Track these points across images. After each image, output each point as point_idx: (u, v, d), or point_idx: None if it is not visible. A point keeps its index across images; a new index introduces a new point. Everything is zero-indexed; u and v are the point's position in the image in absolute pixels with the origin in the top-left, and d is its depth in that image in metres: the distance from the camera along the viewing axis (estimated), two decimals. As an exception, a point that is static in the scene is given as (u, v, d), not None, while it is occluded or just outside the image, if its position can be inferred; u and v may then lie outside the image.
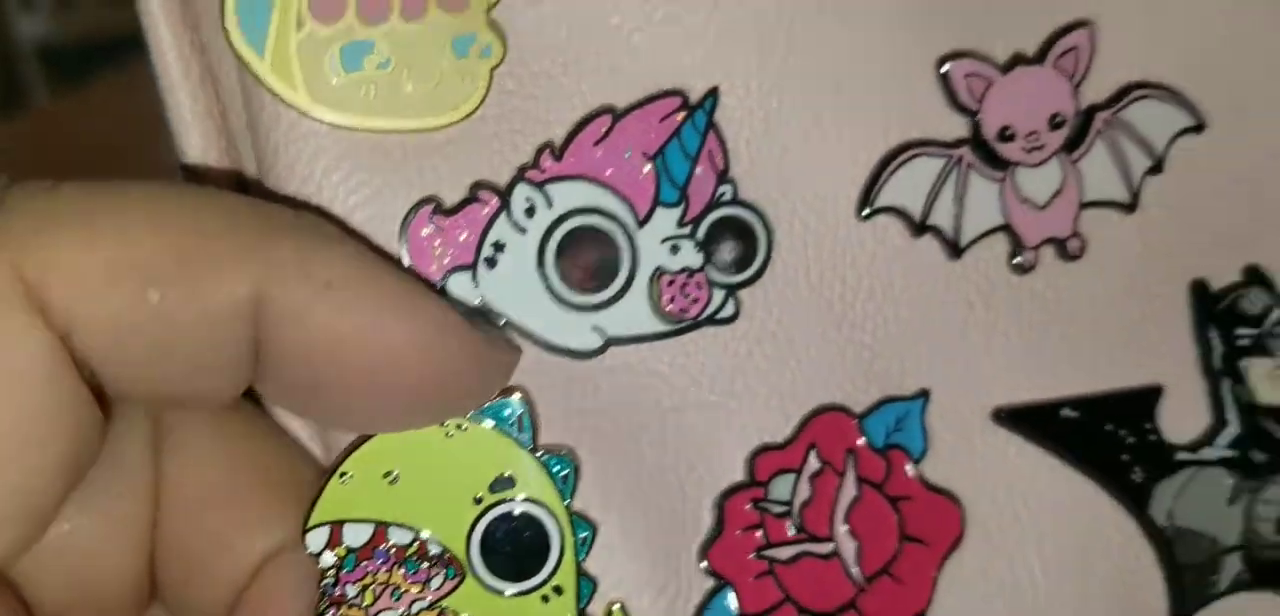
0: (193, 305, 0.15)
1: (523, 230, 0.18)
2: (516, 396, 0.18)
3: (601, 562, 0.18)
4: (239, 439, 0.17)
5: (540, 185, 0.18)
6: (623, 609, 0.18)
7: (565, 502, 0.18)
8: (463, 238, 0.18)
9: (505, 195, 0.18)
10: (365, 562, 0.17)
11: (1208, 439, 0.21)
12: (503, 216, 0.18)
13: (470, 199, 0.18)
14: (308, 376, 0.16)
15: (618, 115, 0.18)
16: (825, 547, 0.19)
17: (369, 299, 0.16)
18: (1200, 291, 0.21)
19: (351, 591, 0.17)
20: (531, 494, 0.17)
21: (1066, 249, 0.20)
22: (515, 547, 0.18)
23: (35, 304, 0.15)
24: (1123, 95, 0.20)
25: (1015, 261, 0.20)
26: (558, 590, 0.18)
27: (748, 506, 0.19)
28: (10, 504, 0.16)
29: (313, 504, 0.17)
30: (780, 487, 0.19)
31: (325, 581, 0.17)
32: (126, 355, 0.16)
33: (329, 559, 0.17)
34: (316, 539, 0.17)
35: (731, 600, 0.19)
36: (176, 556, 0.17)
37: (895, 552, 0.20)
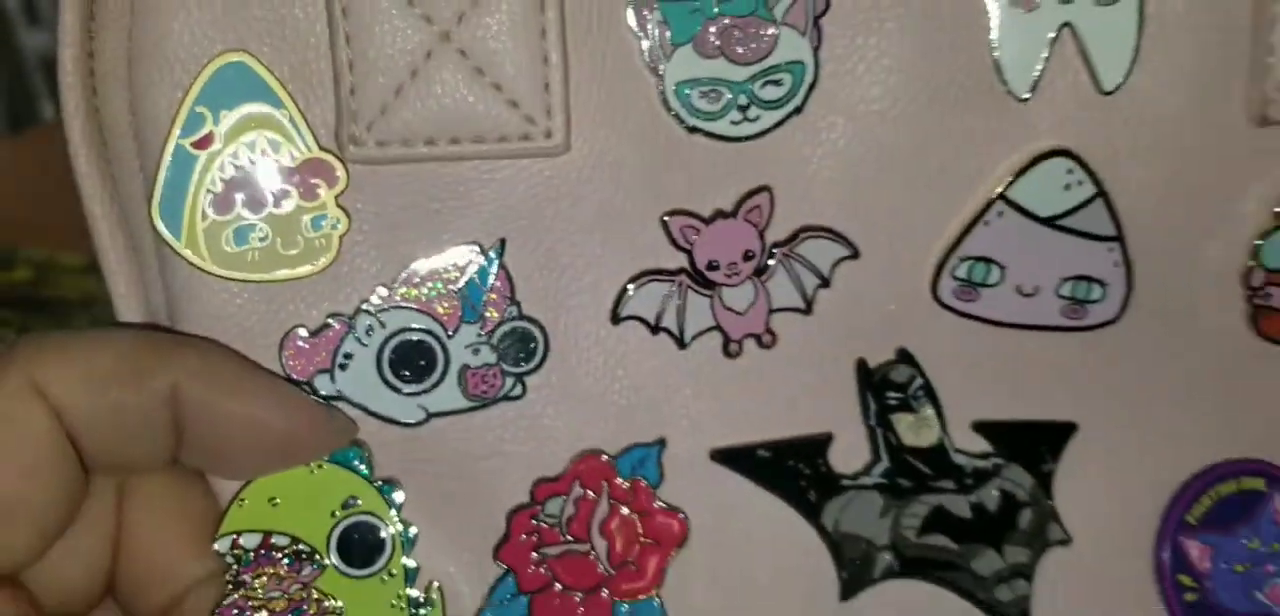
0: (134, 398, 0.19)
1: (365, 344, 0.20)
2: (361, 448, 0.20)
3: (422, 556, 0.21)
4: (177, 494, 0.19)
5: (377, 312, 0.20)
6: (438, 588, 0.20)
7: (393, 515, 0.19)
8: (322, 353, 0.20)
9: (351, 321, 0.20)
10: (257, 560, 0.19)
11: (866, 471, 0.23)
12: (351, 335, 0.20)
13: (326, 325, 0.20)
14: (210, 444, 0.19)
15: (428, 264, 0.20)
16: (584, 547, 0.21)
17: (248, 391, 0.19)
18: (862, 366, 0.23)
19: (248, 579, 0.19)
20: (370, 509, 0.19)
21: (761, 341, 0.22)
22: (361, 546, 0.20)
23: (40, 397, 0.20)
24: (796, 236, 0.22)
25: (726, 349, 0.22)
26: (391, 574, 0.20)
27: (529, 520, 0.21)
28: (34, 517, 0.18)
29: (220, 523, 0.19)
30: (553, 507, 0.21)
31: (230, 573, 0.19)
32: (95, 430, 0.20)
33: (230, 560, 0.19)
34: (223, 545, 0.19)
35: (513, 582, 0.20)
36: (130, 578, 0.19)
37: (635, 549, 0.21)
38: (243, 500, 0.21)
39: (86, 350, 0.20)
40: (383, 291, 0.22)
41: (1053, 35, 0.22)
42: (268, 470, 0.21)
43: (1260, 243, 0.23)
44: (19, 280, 0.67)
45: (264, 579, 0.21)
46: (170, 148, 0.20)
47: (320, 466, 0.22)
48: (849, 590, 0.24)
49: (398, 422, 0.22)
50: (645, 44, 0.22)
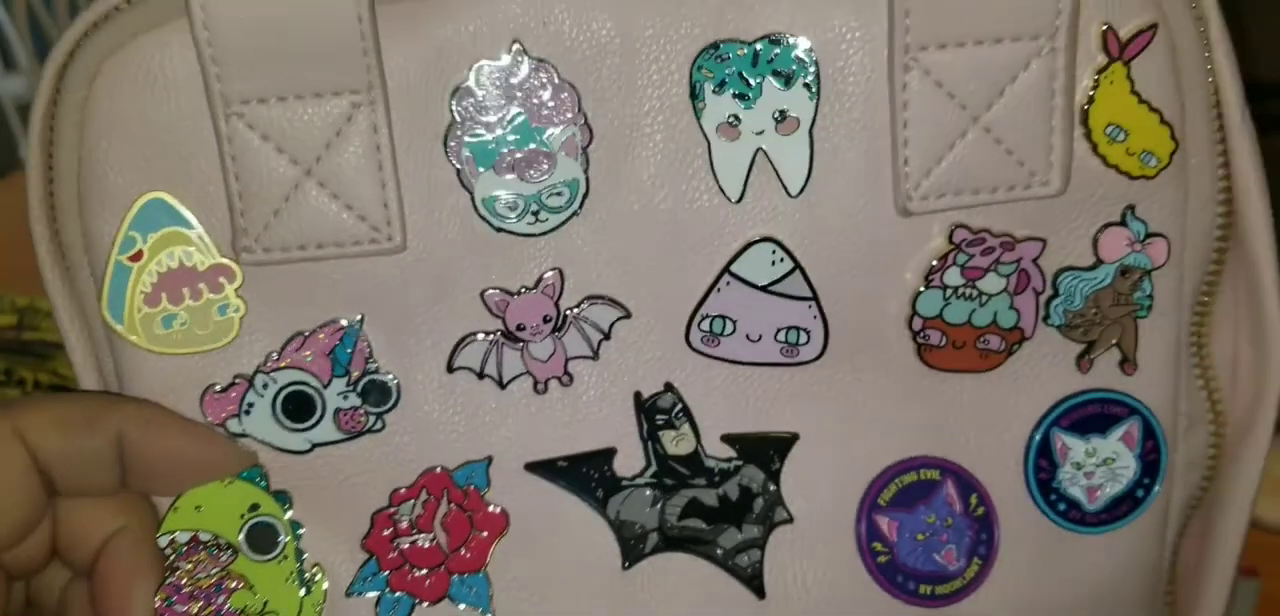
0: (90, 441, 0.25)
1: (262, 395, 0.27)
2: (260, 468, 0.27)
3: (308, 545, 0.30)
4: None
5: (270, 372, 0.27)
6: (320, 568, 0.27)
7: (286, 516, 0.27)
8: (231, 404, 0.27)
9: (251, 380, 0.28)
10: (189, 550, 0.26)
11: (640, 474, 0.30)
12: (251, 390, 0.27)
13: (233, 383, 0.28)
14: (147, 471, 0.26)
15: (306, 335, 0.27)
16: (429, 537, 0.28)
17: (174, 432, 0.26)
18: (638, 397, 0.30)
19: (182, 564, 0.26)
20: (268, 512, 0.27)
21: (562, 381, 0.30)
22: (262, 539, 0.27)
23: (20, 440, 0.26)
24: (582, 303, 0.29)
25: (536, 388, 0.29)
26: (285, 558, 0.27)
27: (387, 519, 0.28)
28: (13, 523, 0.27)
29: (160, 525, 0.26)
30: (405, 509, 0.29)
31: (169, 561, 0.26)
32: (62, 464, 0.26)
33: (169, 551, 0.26)
34: (163, 540, 0.27)
35: (376, 563, 0.28)
36: (67, 543, 0.27)
37: (468, 537, 0.28)
38: (177, 508, 0.29)
39: (56, 405, 0.27)
40: (274, 357, 0.29)
41: (750, 158, 0.29)
42: (191, 487, 0.28)
43: (915, 299, 0.31)
44: (2, 325, 0.73)
45: (193, 564, 0.29)
46: (113, 262, 0.28)
47: (231, 482, 0.29)
48: (628, 561, 0.31)
49: (289, 451, 0.30)
50: (458, 169, 0.29)
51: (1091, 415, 0.32)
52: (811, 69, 0.28)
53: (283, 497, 0.30)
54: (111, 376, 0.30)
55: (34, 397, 0.28)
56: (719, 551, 0.31)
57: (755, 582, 0.31)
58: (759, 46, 0.28)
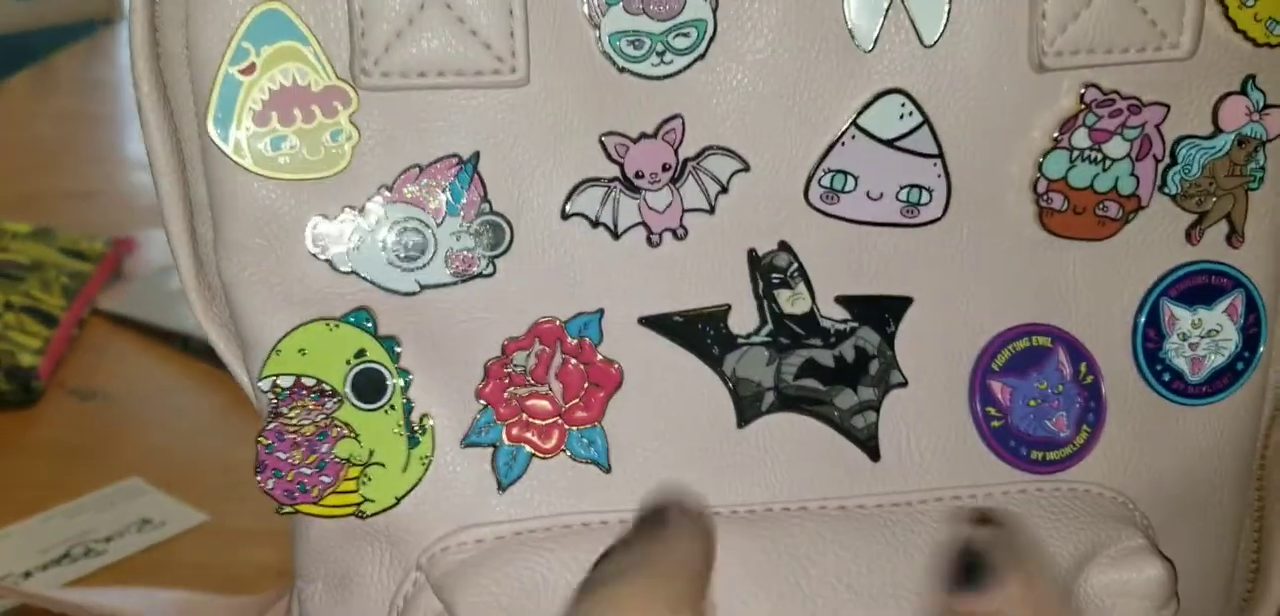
0: None
1: (372, 230, 0.25)
2: (366, 310, 0.24)
3: (416, 395, 0.26)
4: None
5: (381, 206, 0.25)
6: (430, 418, 0.25)
7: (395, 363, 0.24)
8: (339, 233, 0.25)
9: (362, 211, 0.25)
10: (292, 396, 0.24)
11: (756, 332, 0.28)
12: (361, 222, 0.25)
13: (342, 214, 0.25)
14: None
15: (422, 168, 0.25)
16: (543, 388, 0.26)
17: None
18: (752, 254, 0.28)
19: (285, 410, 0.24)
20: (376, 359, 0.24)
21: (676, 234, 0.27)
22: (369, 387, 0.24)
23: None
24: (702, 153, 0.27)
25: (650, 240, 0.27)
26: (392, 407, 0.25)
27: (501, 368, 0.26)
28: None
29: (262, 369, 0.24)
30: (519, 359, 0.26)
31: (270, 404, 0.24)
32: None
33: (271, 395, 0.24)
34: (265, 384, 0.24)
35: (491, 415, 0.25)
36: None
37: (582, 391, 0.26)
38: (279, 350, 0.26)
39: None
40: (387, 190, 0.27)
41: (887, 3, 0.28)
42: None
43: (1043, 159, 0.30)
44: (-30, 248, 0.69)
45: (297, 410, 0.26)
46: (222, 74, 0.25)
47: (337, 325, 0.27)
48: (744, 419, 0.30)
49: (397, 292, 0.27)
50: (585, 6, 0.27)
51: (1198, 286, 0.31)
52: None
53: (390, 343, 0.27)
54: (202, 204, 0.27)
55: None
56: (835, 412, 0.30)
57: (871, 444, 0.30)
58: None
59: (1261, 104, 0.30)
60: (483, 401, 0.28)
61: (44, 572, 0.48)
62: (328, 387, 0.26)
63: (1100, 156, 0.29)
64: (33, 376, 0.59)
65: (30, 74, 1.08)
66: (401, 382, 0.27)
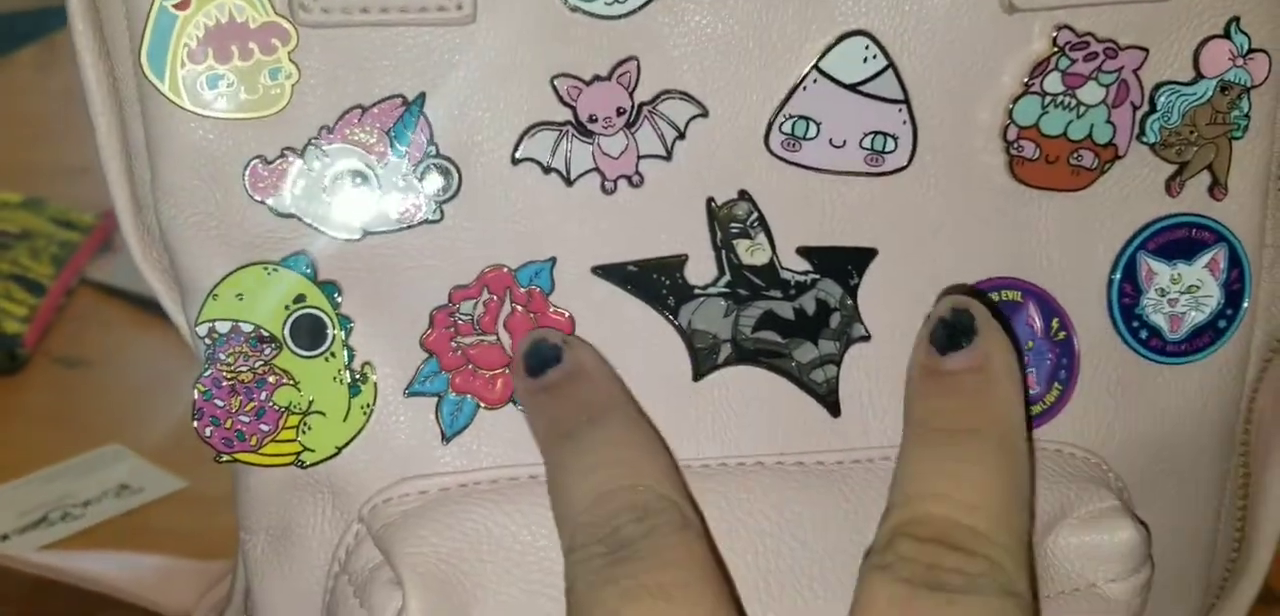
0: None
1: (312, 172, 0.24)
2: (304, 255, 0.23)
3: (358, 342, 0.25)
4: None
5: (323, 146, 0.24)
6: (371, 366, 0.24)
7: (335, 309, 0.23)
8: (279, 175, 0.24)
9: (302, 153, 0.24)
10: (229, 341, 0.23)
11: (713, 283, 0.27)
12: (300, 164, 0.24)
13: (282, 155, 0.24)
14: None
15: (365, 109, 0.24)
16: (491, 338, 0.25)
17: None
18: (710, 203, 0.27)
19: (222, 356, 0.23)
20: (315, 304, 0.23)
21: (631, 181, 0.26)
22: (308, 333, 0.24)
23: None
24: (658, 97, 0.26)
25: (603, 187, 0.26)
26: (333, 355, 0.24)
27: (447, 317, 0.25)
28: None
29: (199, 313, 0.23)
30: (466, 308, 0.26)
31: (207, 350, 0.23)
32: None
33: (207, 341, 0.23)
34: (202, 330, 0.23)
35: (436, 363, 0.25)
36: None
37: None
38: (216, 295, 0.26)
39: None
40: (328, 131, 0.26)
41: (851, -63, 0.27)
42: None
43: (1013, 105, 0.28)
44: (-40, 217, 0.69)
45: (233, 356, 0.25)
46: (155, 8, 0.24)
47: (274, 270, 0.26)
48: (699, 372, 0.29)
49: (339, 237, 0.27)
50: (536, -63, 0.26)
51: (1178, 239, 0.30)
52: None
53: (331, 289, 0.26)
54: (139, 147, 0.26)
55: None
56: (794, 366, 0.29)
57: (831, 400, 0.29)
58: None
59: (1246, 48, 0.28)
60: (427, 350, 0.27)
61: (21, 536, 0.48)
62: (266, 333, 0.25)
63: (1074, 102, 0.28)
64: (18, 343, 0.59)
65: (34, 50, 1.09)
66: (342, 331, 0.26)
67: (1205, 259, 0.30)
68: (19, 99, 1.00)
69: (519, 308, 0.27)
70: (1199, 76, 0.28)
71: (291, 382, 0.26)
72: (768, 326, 0.28)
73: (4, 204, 0.72)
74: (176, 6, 0.24)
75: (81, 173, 0.86)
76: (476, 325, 0.27)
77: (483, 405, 0.27)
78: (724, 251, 0.28)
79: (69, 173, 0.85)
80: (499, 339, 0.27)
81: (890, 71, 0.28)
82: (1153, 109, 0.29)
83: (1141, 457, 0.30)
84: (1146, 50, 0.28)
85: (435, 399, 0.27)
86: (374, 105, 0.26)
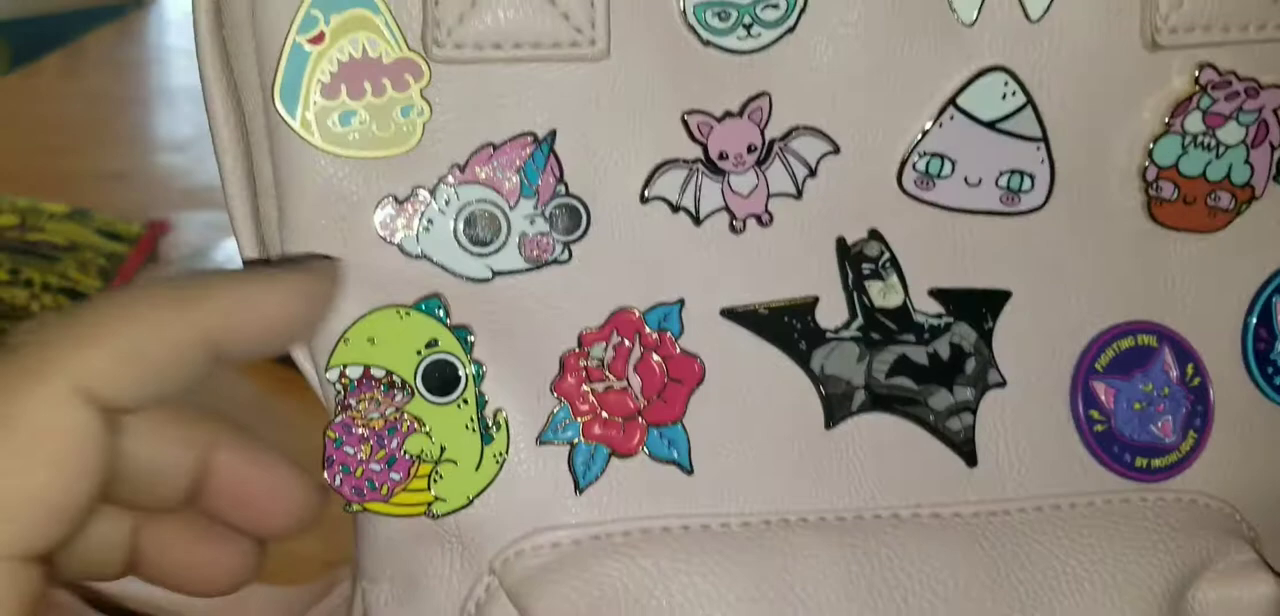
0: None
1: (443, 212, 0.23)
2: (440, 299, 0.23)
3: (490, 389, 0.24)
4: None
5: (453, 186, 0.23)
6: (504, 413, 0.23)
7: (468, 354, 0.23)
8: (409, 215, 0.23)
9: (433, 191, 0.23)
10: (361, 387, 0.22)
11: (845, 326, 0.27)
12: (432, 203, 0.23)
13: (412, 194, 0.23)
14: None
15: (496, 147, 0.23)
16: (621, 384, 0.25)
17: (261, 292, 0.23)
18: (841, 243, 0.26)
19: (353, 402, 0.22)
20: (448, 349, 0.23)
21: (761, 220, 0.26)
22: (440, 379, 0.23)
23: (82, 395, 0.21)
24: (790, 133, 0.25)
25: (732, 227, 0.25)
26: (465, 401, 0.23)
27: (577, 361, 0.24)
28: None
29: (329, 358, 0.22)
30: (596, 351, 0.25)
31: (338, 396, 0.22)
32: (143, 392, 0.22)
33: (339, 387, 0.22)
34: (333, 375, 0.22)
35: (567, 411, 0.24)
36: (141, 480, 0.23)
37: (662, 386, 0.25)
38: (347, 339, 0.24)
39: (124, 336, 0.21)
40: (459, 169, 0.25)
41: (994, -28, 0.26)
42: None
43: (1153, 145, 0.28)
44: (4, 225, 0.68)
45: (365, 402, 0.24)
46: (289, 43, 0.23)
47: (408, 313, 0.25)
48: (832, 420, 0.28)
49: (469, 278, 0.26)
50: (672, -28, 0.26)
51: (1316, 283, 0.29)
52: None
53: (463, 333, 0.25)
54: (269, 183, 0.26)
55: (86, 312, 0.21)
56: (930, 414, 0.28)
57: (967, 449, 0.28)
58: None
59: (1386, 87, 0.28)
60: (558, 396, 0.26)
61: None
62: (398, 379, 0.25)
63: (1215, 142, 0.27)
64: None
65: (61, 55, 1.08)
66: (475, 375, 0.25)
67: (1343, 301, 0.29)
68: (48, 105, 0.99)
69: (649, 352, 0.26)
70: (1339, 115, 0.28)
71: (423, 430, 0.25)
72: (902, 372, 0.27)
73: (51, 215, 0.71)
74: (311, 41, 0.23)
75: (118, 179, 0.85)
76: (607, 369, 0.26)
77: (616, 454, 0.26)
78: (856, 293, 0.27)
79: (107, 179, 0.84)
80: (629, 385, 0.26)
81: (1029, 109, 0.27)
82: (1292, 148, 0.28)
83: (1273, 507, 0.30)
84: (1288, 89, 0.27)
85: (568, 447, 0.26)
86: (504, 143, 0.25)
